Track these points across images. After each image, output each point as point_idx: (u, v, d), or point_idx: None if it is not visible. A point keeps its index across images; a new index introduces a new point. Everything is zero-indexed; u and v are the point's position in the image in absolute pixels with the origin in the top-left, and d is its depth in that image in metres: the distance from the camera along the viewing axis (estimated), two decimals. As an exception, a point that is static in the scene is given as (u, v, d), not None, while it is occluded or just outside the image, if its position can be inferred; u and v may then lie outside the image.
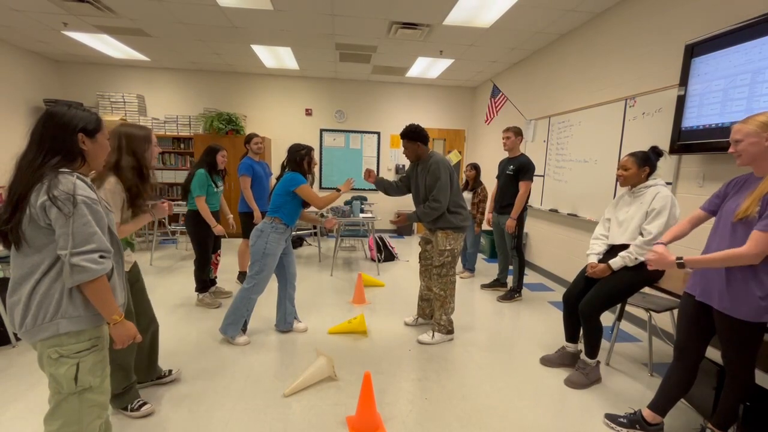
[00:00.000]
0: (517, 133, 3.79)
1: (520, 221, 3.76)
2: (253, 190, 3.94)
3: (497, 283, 4.17)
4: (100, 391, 1.30)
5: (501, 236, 4.00)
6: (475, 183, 4.61)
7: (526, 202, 3.76)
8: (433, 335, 2.90)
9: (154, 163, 1.92)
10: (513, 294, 3.89)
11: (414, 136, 2.89)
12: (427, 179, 2.79)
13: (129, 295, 1.84)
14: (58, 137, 1.20)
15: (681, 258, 1.61)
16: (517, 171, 3.69)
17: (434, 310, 2.96)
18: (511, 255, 3.89)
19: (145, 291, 2.13)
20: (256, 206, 3.92)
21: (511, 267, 4.02)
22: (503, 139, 3.83)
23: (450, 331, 2.95)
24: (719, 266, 1.55)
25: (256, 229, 2.73)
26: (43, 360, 1.23)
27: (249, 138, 3.99)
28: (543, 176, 4.80)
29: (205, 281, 3.51)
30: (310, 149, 2.85)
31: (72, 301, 1.20)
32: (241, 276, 4.11)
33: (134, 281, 2.05)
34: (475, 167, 4.64)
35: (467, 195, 4.62)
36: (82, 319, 1.21)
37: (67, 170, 1.19)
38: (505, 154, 3.95)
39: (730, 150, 1.61)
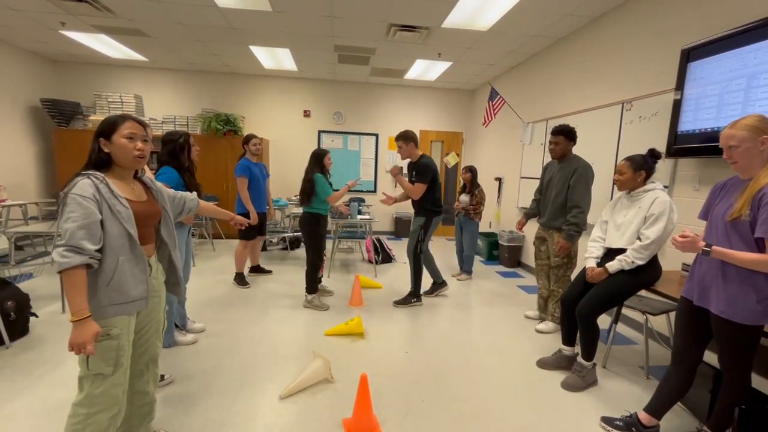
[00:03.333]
0: (407, 138, 3.52)
1: (426, 225, 3.57)
2: (250, 191, 3.94)
3: (439, 287, 4.01)
4: (111, 382, 1.35)
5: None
6: (472, 186, 4.63)
7: (440, 205, 3.62)
8: (548, 325, 3.21)
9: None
10: (410, 299, 3.71)
11: (571, 135, 3.03)
12: (572, 180, 2.96)
13: None
14: (91, 144, 1.40)
15: (709, 247, 1.59)
16: (416, 173, 3.55)
17: (551, 304, 3.22)
18: (408, 257, 3.69)
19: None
20: (253, 207, 3.92)
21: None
22: (397, 149, 3.63)
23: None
24: (741, 265, 1.53)
25: None
26: None
27: (247, 139, 3.99)
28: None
29: (315, 281, 3.58)
30: (188, 135, 2.58)
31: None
32: (238, 277, 4.10)
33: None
34: (471, 170, 4.67)
35: (464, 197, 4.64)
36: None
37: (89, 172, 1.34)
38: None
39: (725, 156, 1.61)
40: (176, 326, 2.79)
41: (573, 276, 3.26)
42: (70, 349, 1.26)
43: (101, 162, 1.39)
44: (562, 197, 3.02)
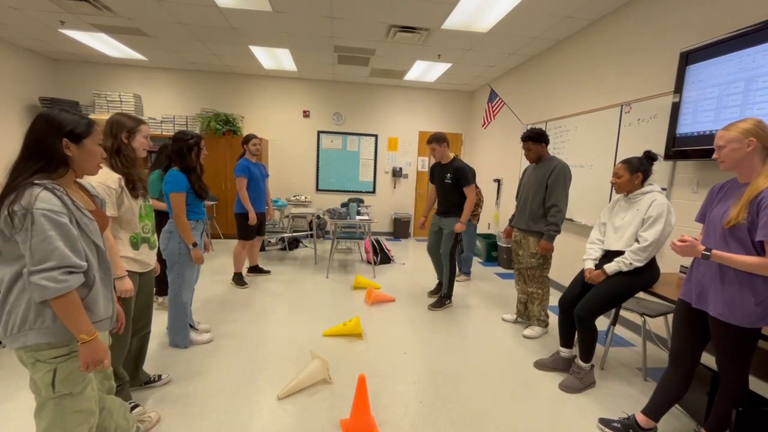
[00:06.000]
0: (440, 140, 3.54)
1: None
2: (250, 191, 3.95)
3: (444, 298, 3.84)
4: (82, 398, 1.27)
5: (438, 241, 3.77)
6: None
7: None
8: (534, 330, 3.17)
9: (141, 154, 1.91)
10: (444, 301, 3.72)
11: (538, 138, 3.03)
12: (549, 180, 2.95)
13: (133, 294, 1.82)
14: (42, 142, 1.17)
15: (709, 250, 1.59)
16: (456, 178, 3.51)
17: (533, 307, 3.20)
18: (444, 260, 3.67)
19: (152, 295, 2.13)
20: (251, 207, 3.92)
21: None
22: (430, 151, 3.63)
23: (547, 324, 3.22)
24: (740, 268, 1.53)
25: (164, 231, 2.50)
26: (23, 362, 1.23)
27: (247, 139, 3.99)
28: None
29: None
30: (199, 137, 2.54)
31: (41, 314, 1.17)
32: (236, 277, 4.09)
33: (148, 281, 2.04)
34: None
35: None
36: (51, 331, 1.18)
37: (41, 179, 1.15)
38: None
39: (714, 156, 1.63)
40: (191, 326, 2.79)
41: (552, 276, 3.25)
42: (86, 368, 1.21)
43: (56, 166, 1.19)
44: (540, 197, 2.99)
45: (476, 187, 4.62)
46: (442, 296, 3.75)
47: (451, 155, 3.63)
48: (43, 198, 1.11)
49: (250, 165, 3.96)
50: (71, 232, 1.16)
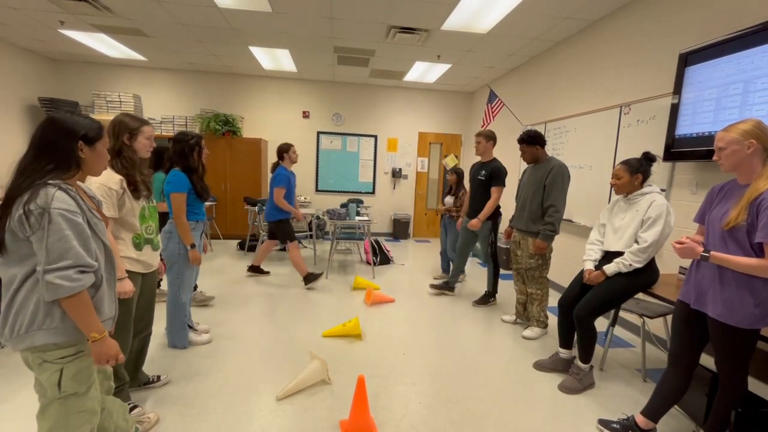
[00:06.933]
0: (489, 137, 3.67)
1: (495, 227, 3.70)
2: (286, 199, 4.01)
3: (446, 287, 4.11)
4: (87, 398, 1.28)
5: (470, 241, 3.92)
6: (457, 188, 4.67)
7: (499, 207, 3.70)
8: (533, 330, 3.17)
9: (143, 155, 1.89)
10: (488, 298, 3.85)
11: (532, 140, 3.05)
12: (547, 181, 2.97)
13: (134, 295, 1.81)
14: (57, 143, 1.19)
15: (707, 252, 1.60)
16: (490, 176, 3.59)
17: (532, 308, 3.20)
18: (486, 262, 3.83)
19: (154, 296, 2.12)
20: (293, 209, 4.05)
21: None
22: (475, 143, 3.75)
23: (546, 325, 3.21)
24: (739, 270, 1.54)
25: (164, 231, 2.49)
26: (28, 363, 1.23)
27: (286, 147, 4.05)
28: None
29: None
30: (199, 137, 2.53)
31: (50, 313, 1.18)
32: (307, 277, 4.13)
33: (150, 282, 2.04)
34: (457, 172, 4.70)
35: (449, 199, 4.67)
36: (59, 330, 1.19)
37: (55, 180, 1.17)
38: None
39: (714, 157, 1.64)
40: (190, 327, 2.78)
41: (551, 276, 3.29)
42: (99, 363, 1.24)
43: (69, 167, 1.22)
44: (539, 198, 3.01)
45: (462, 187, 4.66)
46: (486, 294, 3.86)
47: (493, 156, 3.72)
48: (59, 198, 1.13)
49: (289, 174, 4.03)
50: (85, 231, 1.19)
